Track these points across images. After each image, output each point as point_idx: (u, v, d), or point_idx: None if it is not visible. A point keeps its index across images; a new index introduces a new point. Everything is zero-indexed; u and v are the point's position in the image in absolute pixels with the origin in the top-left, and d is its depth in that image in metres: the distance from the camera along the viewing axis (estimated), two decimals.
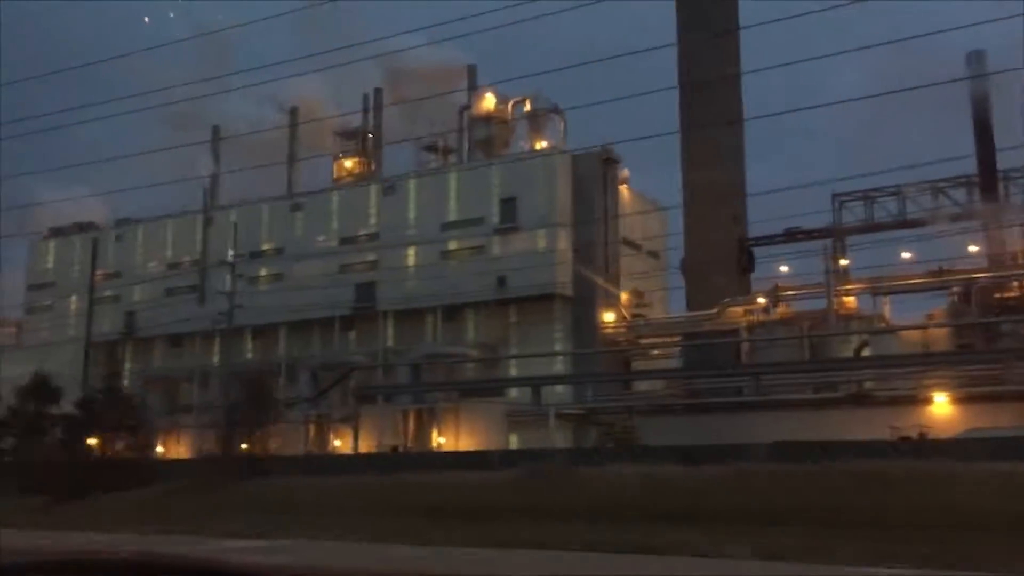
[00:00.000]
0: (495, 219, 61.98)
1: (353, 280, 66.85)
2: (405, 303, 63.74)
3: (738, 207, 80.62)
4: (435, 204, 64.37)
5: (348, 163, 77.01)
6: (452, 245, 63.53)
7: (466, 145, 70.41)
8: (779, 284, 57.11)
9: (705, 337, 54.56)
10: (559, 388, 57.78)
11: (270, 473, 33.20)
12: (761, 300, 55.90)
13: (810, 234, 64.93)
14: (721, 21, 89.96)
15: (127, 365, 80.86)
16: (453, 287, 61.54)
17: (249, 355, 73.71)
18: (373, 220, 67.30)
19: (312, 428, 60.55)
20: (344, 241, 68.13)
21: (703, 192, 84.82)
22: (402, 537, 19.38)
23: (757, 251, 69.49)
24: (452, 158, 70.70)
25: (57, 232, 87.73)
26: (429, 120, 67.51)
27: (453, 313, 63.24)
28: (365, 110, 76.87)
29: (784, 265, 61.93)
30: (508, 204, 61.41)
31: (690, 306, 71.71)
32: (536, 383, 51.21)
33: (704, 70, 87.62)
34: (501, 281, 60.67)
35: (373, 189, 68.21)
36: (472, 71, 71.58)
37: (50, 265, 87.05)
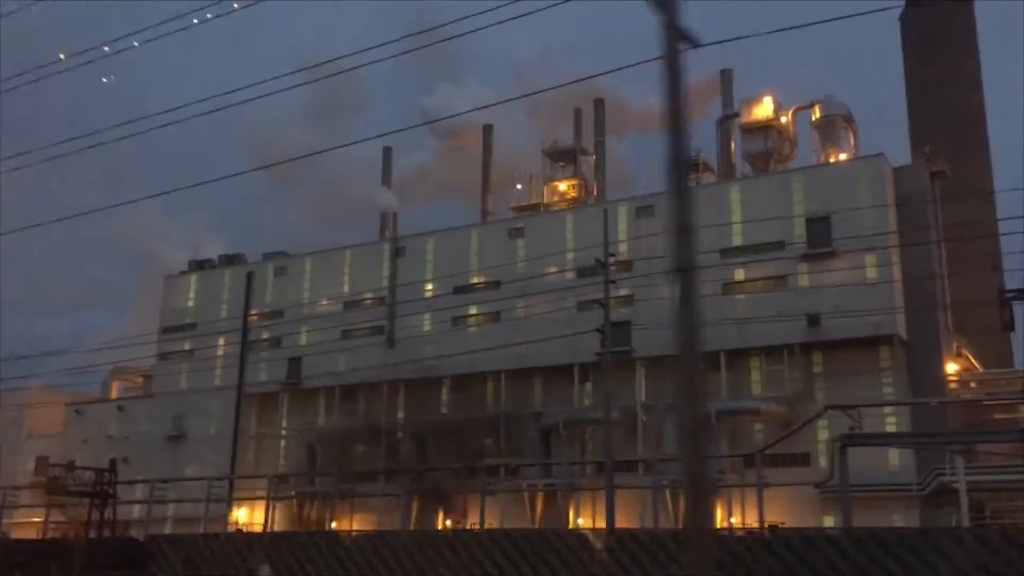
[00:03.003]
0: (800, 243, 49.99)
1: (596, 319, 54.77)
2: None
3: (993, 252, 69.13)
4: (711, 226, 52.47)
5: (562, 185, 65.69)
6: (739, 275, 51.50)
7: (716, 159, 58.98)
8: None
9: None
10: (893, 461, 45.73)
11: None
12: None
13: None
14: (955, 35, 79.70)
15: (284, 420, 68.81)
16: (736, 325, 49.54)
17: (444, 409, 61.76)
18: (623, 247, 55.37)
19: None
20: (582, 272, 56.20)
21: (950, 234, 73.49)
22: None
23: None
24: (709, 177, 59.08)
25: (198, 266, 76.19)
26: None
27: (735, 360, 50.98)
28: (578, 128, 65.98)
29: None
30: (819, 224, 49.47)
31: None
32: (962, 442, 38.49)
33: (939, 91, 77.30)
34: (813, 320, 48.47)
35: (622, 209, 56.28)
36: (727, 77, 60.33)
37: (190, 304, 75.10)
